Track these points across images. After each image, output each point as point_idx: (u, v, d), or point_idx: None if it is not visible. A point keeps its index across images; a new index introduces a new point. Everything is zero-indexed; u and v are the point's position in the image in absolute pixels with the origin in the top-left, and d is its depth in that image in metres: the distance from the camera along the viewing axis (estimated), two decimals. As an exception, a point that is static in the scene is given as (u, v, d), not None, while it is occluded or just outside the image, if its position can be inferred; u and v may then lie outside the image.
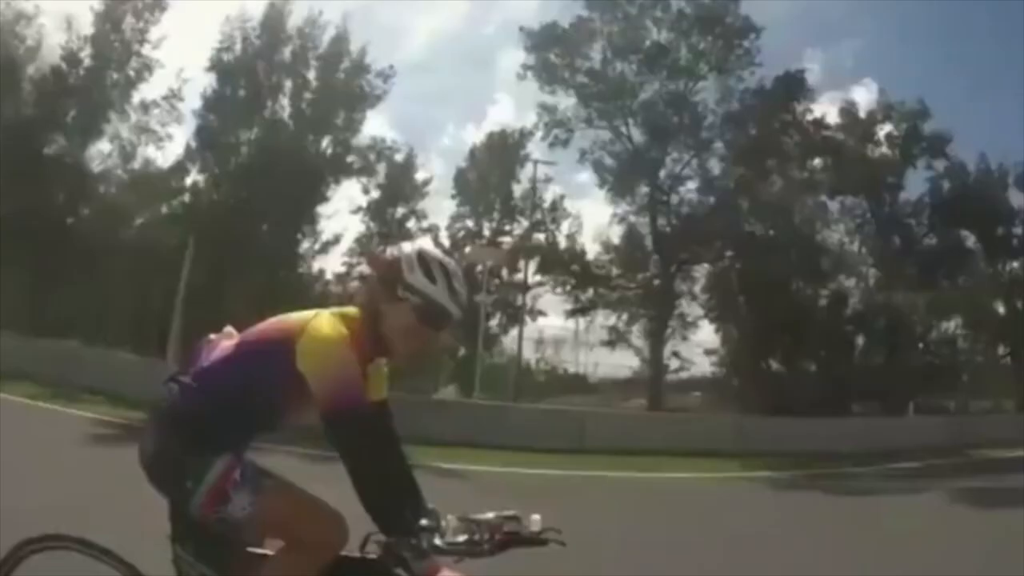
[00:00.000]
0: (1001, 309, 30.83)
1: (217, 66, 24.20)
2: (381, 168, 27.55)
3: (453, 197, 30.47)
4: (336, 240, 27.85)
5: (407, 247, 2.05)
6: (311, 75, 25.02)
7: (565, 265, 26.25)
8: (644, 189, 25.03)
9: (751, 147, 24.38)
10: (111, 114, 27.03)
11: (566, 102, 24.83)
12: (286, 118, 24.78)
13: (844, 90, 50.23)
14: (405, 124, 47.22)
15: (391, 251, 2.08)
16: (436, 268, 1.99)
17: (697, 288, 26.47)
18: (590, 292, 26.66)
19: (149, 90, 26.76)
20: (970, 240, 30.40)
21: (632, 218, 25.42)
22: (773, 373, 25.33)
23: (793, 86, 24.87)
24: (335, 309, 2.04)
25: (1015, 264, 31.12)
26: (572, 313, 26.70)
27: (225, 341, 2.18)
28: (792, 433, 17.02)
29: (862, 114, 29.00)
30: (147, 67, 27.14)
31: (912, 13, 36.83)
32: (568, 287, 26.30)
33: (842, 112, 29.10)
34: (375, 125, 40.94)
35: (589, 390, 28.43)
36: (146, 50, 26.95)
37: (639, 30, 24.13)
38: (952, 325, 29.33)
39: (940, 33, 38.56)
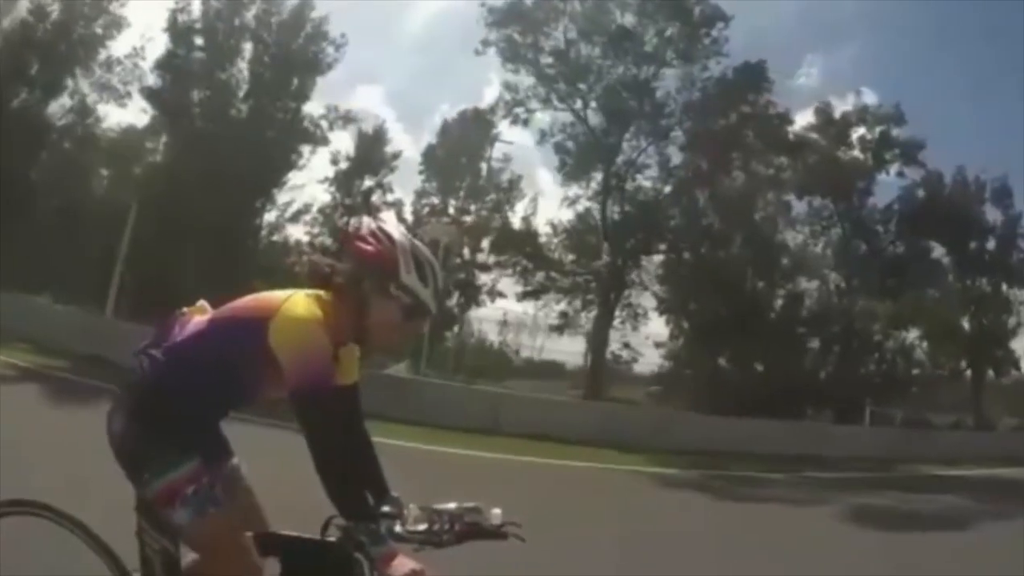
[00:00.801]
0: (966, 325, 30.48)
1: (172, 28, 23.89)
2: (343, 137, 27.39)
3: (420, 173, 30.22)
4: (307, 210, 27.92)
5: (397, 235, 2.02)
6: (270, 39, 24.66)
7: (519, 247, 25.88)
8: (599, 174, 24.59)
9: (711, 138, 23.90)
10: (76, 69, 26.85)
11: (528, 81, 24.46)
12: (243, 83, 24.48)
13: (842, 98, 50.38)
14: (401, 101, 46.86)
15: (375, 232, 2.04)
16: (428, 270, 2.02)
17: (649, 278, 25.94)
18: (541, 276, 26.25)
19: (116, 47, 26.66)
20: (939, 251, 29.98)
21: (585, 203, 25.05)
22: (722, 370, 24.91)
23: (754, 77, 24.31)
24: (310, 291, 2.03)
25: (983, 280, 30.70)
26: (524, 296, 26.33)
27: (198, 316, 2.18)
28: (720, 432, 16.69)
29: (836, 115, 28.52)
30: (115, 24, 26.99)
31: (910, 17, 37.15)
32: (520, 269, 25.91)
33: (817, 112, 28.71)
34: (368, 98, 41.53)
35: (538, 374, 28.07)
36: (114, 7, 26.76)
37: (605, 13, 23.64)
38: (912, 336, 28.70)
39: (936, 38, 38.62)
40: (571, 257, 25.40)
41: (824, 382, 25.67)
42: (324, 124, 25.28)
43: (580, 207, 25.13)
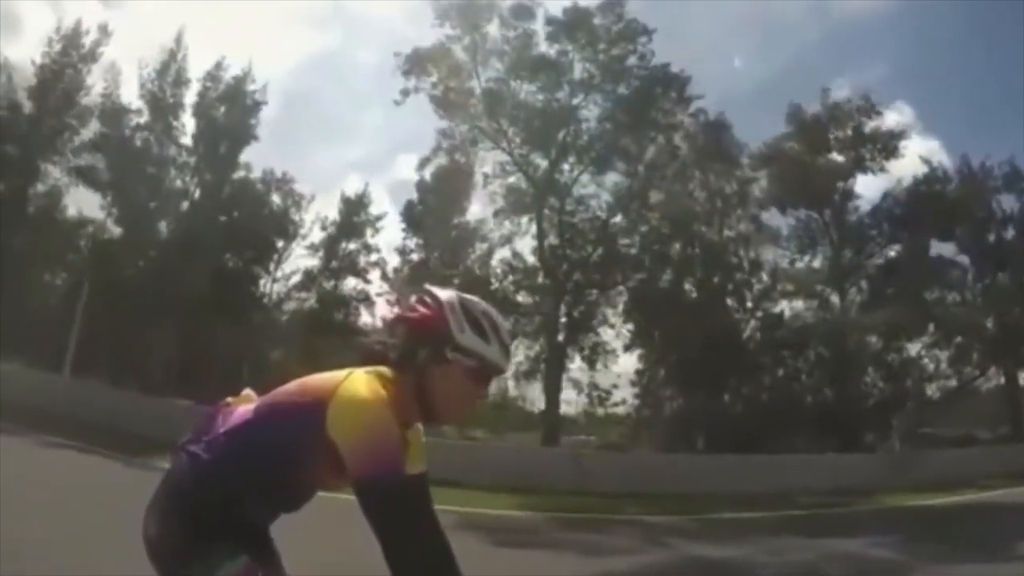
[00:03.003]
0: (989, 324, 27.59)
1: (105, 110, 24.77)
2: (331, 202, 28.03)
3: (404, 231, 29.86)
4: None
5: (443, 295, 1.85)
6: (216, 114, 25.25)
7: (480, 292, 24.99)
8: (545, 210, 23.52)
9: (638, 156, 22.66)
10: (51, 156, 28.14)
11: (461, 126, 23.80)
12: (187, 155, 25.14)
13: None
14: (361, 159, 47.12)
15: (421, 298, 1.87)
16: (486, 323, 1.82)
17: (616, 313, 24.52)
18: (511, 321, 25.27)
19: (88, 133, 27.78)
20: (950, 249, 27.44)
21: (529, 240, 23.89)
22: (691, 405, 23.16)
23: (676, 87, 22.88)
24: (369, 368, 1.83)
25: (1004, 274, 27.75)
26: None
27: (243, 405, 1.98)
28: (642, 471, 15.63)
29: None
30: (88, 112, 28.16)
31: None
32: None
33: (788, 118, 26.88)
34: (332, 158, 42.10)
35: (514, 424, 26.87)
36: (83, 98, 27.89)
37: (525, 47, 22.82)
38: (917, 346, 26.09)
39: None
40: (526, 299, 24.30)
41: (812, 407, 23.45)
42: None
43: (520, 245, 24.10)
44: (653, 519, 12.20)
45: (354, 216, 29.40)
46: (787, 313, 25.42)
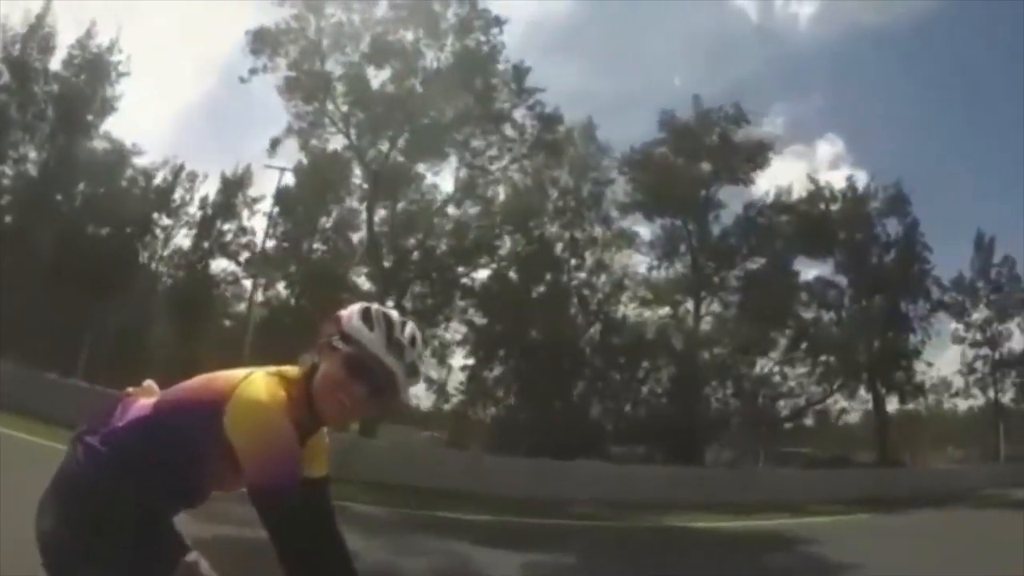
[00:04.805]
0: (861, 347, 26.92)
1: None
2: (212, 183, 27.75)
3: (276, 215, 29.49)
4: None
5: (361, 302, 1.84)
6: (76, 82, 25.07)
7: (328, 277, 24.63)
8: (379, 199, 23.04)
9: (487, 151, 22.23)
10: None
11: (304, 107, 23.24)
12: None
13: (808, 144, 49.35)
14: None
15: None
16: (378, 317, 1.76)
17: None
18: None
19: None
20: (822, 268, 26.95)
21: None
22: (516, 407, 22.60)
23: (516, 79, 22.39)
24: (272, 368, 1.78)
25: (878, 297, 27.09)
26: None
27: (144, 398, 1.92)
28: (427, 466, 15.05)
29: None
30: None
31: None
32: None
33: (661, 124, 26.35)
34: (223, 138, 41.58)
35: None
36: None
37: (367, 31, 22.19)
38: (769, 364, 25.42)
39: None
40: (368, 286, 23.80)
41: (647, 417, 22.83)
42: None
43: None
44: (378, 510, 11.65)
45: (232, 197, 29.20)
46: (635, 320, 24.75)
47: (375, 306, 1.80)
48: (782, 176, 43.49)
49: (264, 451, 1.61)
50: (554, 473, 15.56)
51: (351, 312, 1.77)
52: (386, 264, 22.63)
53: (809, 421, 28.65)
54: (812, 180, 28.41)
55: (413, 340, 1.76)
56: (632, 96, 39.45)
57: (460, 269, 23.21)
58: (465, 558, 8.57)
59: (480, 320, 23.41)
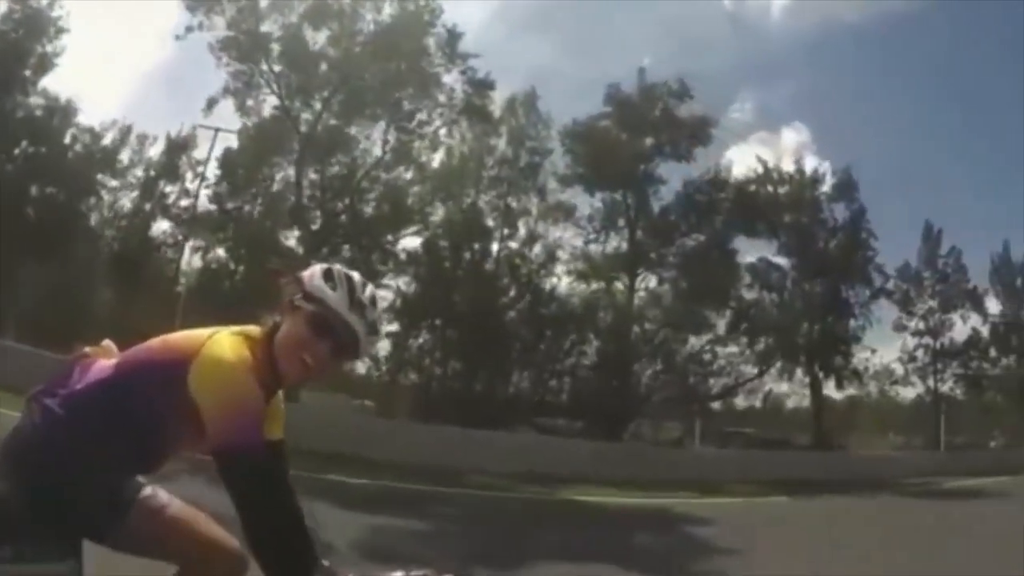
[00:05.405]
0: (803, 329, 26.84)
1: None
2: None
3: (219, 178, 29.39)
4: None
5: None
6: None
7: (264, 241, 24.51)
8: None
9: (417, 115, 22.08)
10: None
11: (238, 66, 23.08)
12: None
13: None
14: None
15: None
16: (340, 276, 1.77)
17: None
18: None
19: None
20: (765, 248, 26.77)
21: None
22: (439, 376, 22.48)
23: (449, 44, 22.14)
24: (236, 328, 1.78)
25: (819, 281, 26.97)
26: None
27: (103, 359, 1.88)
28: (358, 434, 14.30)
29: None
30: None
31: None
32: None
33: (607, 98, 26.10)
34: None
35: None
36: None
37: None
38: (703, 341, 25.27)
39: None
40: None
41: (571, 390, 22.72)
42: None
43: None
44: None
45: (176, 158, 29.04)
46: (567, 293, 24.63)
47: (337, 266, 1.81)
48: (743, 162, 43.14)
49: (231, 410, 1.60)
50: (471, 443, 15.13)
51: (313, 272, 1.78)
52: (314, 227, 22.54)
53: (757, 403, 28.84)
54: (761, 161, 28.26)
55: (373, 300, 1.77)
56: (599, 78, 39.15)
57: (389, 236, 23.07)
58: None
59: (407, 287, 23.26)
